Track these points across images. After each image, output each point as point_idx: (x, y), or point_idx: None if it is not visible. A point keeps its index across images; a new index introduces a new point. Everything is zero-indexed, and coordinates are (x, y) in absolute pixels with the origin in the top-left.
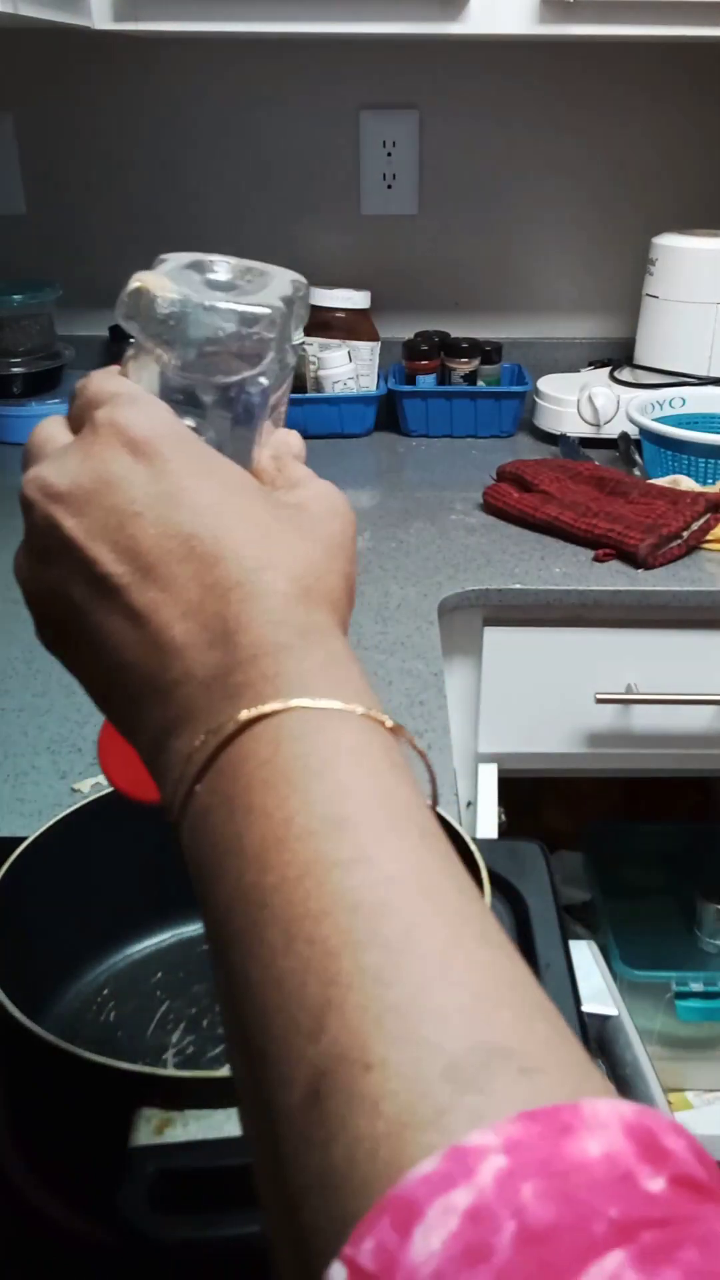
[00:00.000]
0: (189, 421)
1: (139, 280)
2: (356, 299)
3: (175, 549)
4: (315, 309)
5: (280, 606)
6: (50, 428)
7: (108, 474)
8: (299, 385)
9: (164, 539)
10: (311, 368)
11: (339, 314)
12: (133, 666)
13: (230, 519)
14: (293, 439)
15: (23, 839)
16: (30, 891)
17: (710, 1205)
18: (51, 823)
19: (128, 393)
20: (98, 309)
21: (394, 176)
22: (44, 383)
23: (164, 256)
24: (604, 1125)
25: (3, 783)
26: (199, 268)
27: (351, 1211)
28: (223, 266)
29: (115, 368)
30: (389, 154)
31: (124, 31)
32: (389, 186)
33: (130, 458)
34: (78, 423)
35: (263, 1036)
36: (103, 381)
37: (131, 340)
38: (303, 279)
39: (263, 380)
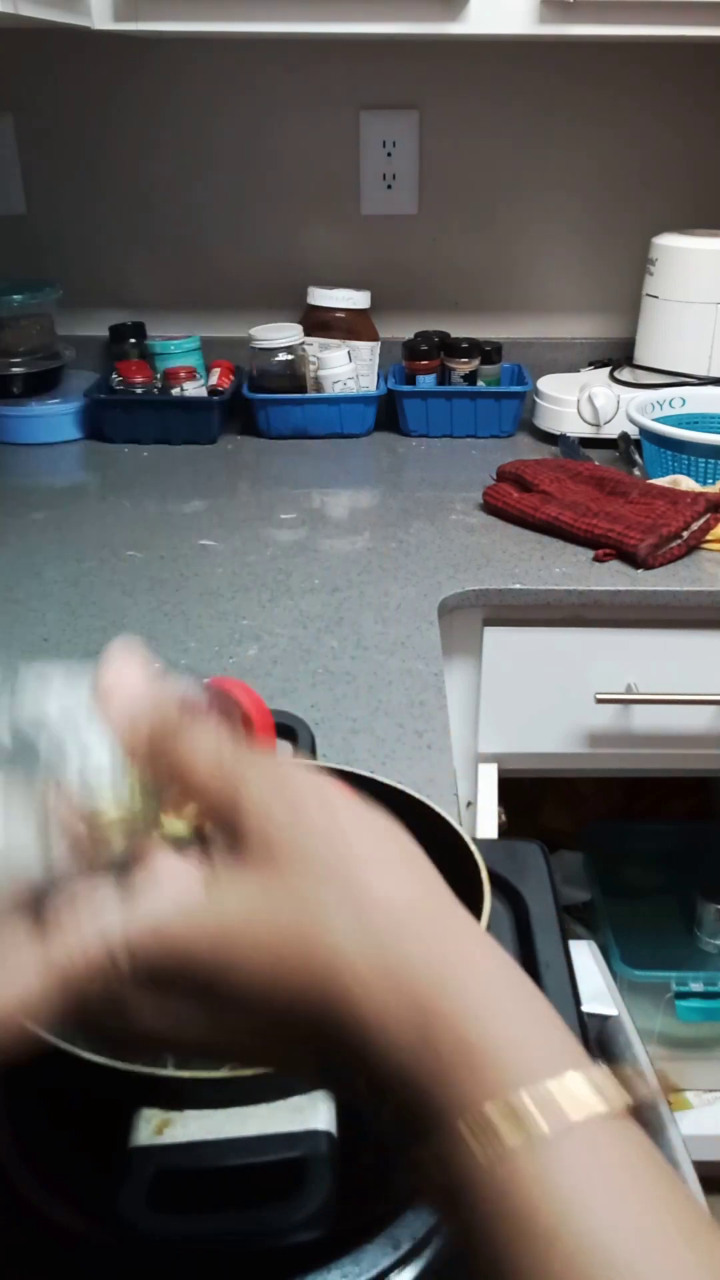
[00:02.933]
0: None
1: None
2: (356, 299)
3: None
4: (315, 309)
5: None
6: None
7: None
8: (299, 385)
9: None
10: (311, 368)
11: (339, 314)
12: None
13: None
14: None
15: None
16: None
17: None
18: None
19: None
20: (98, 309)
21: (394, 176)
22: (44, 383)
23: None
24: None
25: None
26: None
27: None
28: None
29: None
30: (389, 154)
31: (124, 31)
32: (389, 186)
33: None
34: None
35: None
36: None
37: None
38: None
39: None
